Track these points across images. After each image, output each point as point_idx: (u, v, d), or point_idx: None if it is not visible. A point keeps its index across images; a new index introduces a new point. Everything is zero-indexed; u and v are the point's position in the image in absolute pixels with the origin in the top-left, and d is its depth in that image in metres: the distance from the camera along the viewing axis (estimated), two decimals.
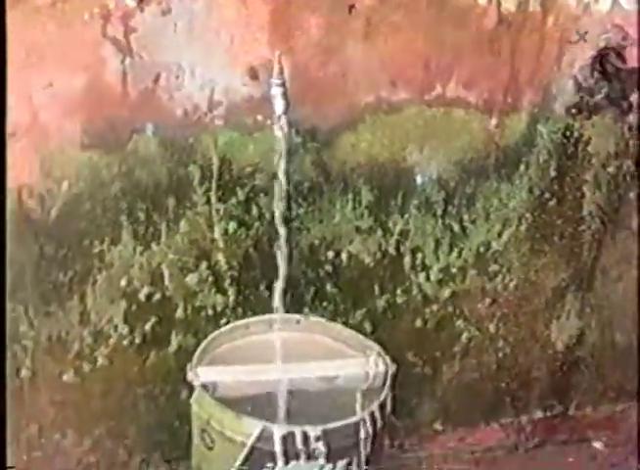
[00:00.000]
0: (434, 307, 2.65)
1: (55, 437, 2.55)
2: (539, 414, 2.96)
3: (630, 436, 2.98)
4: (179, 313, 2.44)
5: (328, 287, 2.52)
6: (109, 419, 2.56)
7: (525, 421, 2.94)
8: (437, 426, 2.86)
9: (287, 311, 2.41)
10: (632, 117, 2.51)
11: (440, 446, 2.89)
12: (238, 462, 2.10)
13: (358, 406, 2.31)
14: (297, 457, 2.07)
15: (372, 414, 2.13)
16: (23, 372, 2.41)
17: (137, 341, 2.44)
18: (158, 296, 2.40)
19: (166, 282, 2.39)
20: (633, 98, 2.48)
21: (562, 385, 2.92)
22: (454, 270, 2.61)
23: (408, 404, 2.76)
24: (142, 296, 2.39)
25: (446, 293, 2.64)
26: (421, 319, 2.65)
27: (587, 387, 2.95)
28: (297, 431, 2.04)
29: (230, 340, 2.38)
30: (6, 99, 1.80)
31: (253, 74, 2.19)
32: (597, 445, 3.02)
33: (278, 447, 2.05)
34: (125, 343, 2.43)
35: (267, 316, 2.41)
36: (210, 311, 2.46)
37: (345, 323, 2.51)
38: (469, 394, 2.83)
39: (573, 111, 2.47)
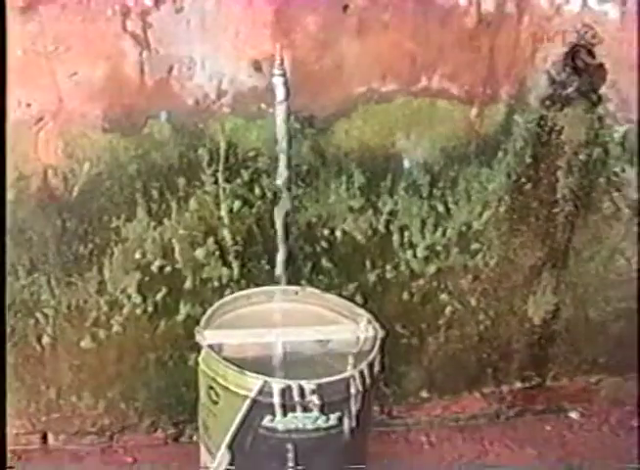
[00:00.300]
0: (421, 282, 2.70)
1: (72, 399, 2.65)
2: (518, 385, 2.99)
3: (604, 406, 3.07)
4: (188, 285, 2.54)
5: (323, 262, 2.60)
6: (121, 383, 2.65)
7: (506, 391, 2.98)
8: (424, 394, 2.90)
9: (286, 283, 2.52)
10: (601, 109, 2.55)
11: (427, 413, 2.95)
12: (240, 414, 2.21)
13: (350, 368, 2.36)
14: (294, 410, 2.18)
15: (361, 372, 2.22)
16: (45, 339, 2.52)
17: (149, 310, 2.54)
18: (168, 268, 2.50)
19: (177, 255, 2.49)
20: (602, 91, 2.52)
21: (539, 357, 2.95)
22: (439, 248, 2.66)
23: (396, 373, 2.81)
24: (154, 268, 2.50)
25: (431, 269, 2.69)
26: (408, 293, 2.71)
27: (563, 359, 2.98)
28: (294, 385, 2.14)
29: (233, 309, 2.46)
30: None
31: (257, 67, 2.29)
32: (573, 414, 3.07)
33: (277, 400, 2.15)
34: (138, 311, 2.54)
35: (268, 288, 2.51)
36: (216, 283, 2.55)
37: (339, 295, 2.54)
38: (453, 364, 2.88)
39: (547, 102, 2.52)
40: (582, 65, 2.49)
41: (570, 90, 2.53)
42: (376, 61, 2.39)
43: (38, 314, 2.50)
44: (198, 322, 2.39)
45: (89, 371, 2.63)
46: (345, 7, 2.30)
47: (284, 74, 2.26)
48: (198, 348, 2.35)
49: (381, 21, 2.34)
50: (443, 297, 2.77)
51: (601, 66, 2.50)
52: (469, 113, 2.52)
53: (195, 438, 2.72)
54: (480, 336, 2.87)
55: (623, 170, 2.68)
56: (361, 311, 2.47)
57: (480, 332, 2.86)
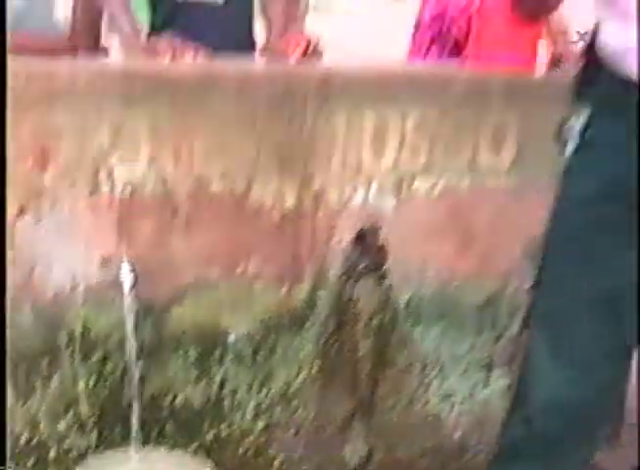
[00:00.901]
0: (251, 438, 2.94)
1: None
2: None
3: None
4: (52, 454, 2.77)
5: (167, 426, 2.86)
6: None
7: None
8: None
9: (138, 447, 2.78)
10: (388, 281, 2.93)
11: None
12: None
13: None
14: None
15: None
16: None
17: None
18: (35, 440, 2.74)
19: (41, 428, 2.73)
20: (387, 266, 2.91)
21: None
22: (264, 407, 2.92)
23: None
24: (22, 440, 2.72)
25: (260, 425, 2.94)
26: (242, 448, 2.95)
27: None
28: None
29: None
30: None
31: (105, 263, 2.62)
32: None
33: None
34: None
35: (122, 451, 2.78)
36: (76, 452, 2.78)
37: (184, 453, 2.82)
38: None
39: (344, 278, 2.84)
40: (368, 246, 2.88)
41: (361, 267, 2.87)
42: (202, 253, 2.71)
43: None
44: None
45: None
46: (175, 210, 2.64)
47: (130, 265, 2.60)
48: None
49: (204, 220, 2.68)
50: (271, 450, 3.00)
51: (382, 247, 2.92)
52: (280, 291, 2.84)
53: None
54: None
55: (412, 329, 3.08)
56: (204, 462, 2.80)
57: None
